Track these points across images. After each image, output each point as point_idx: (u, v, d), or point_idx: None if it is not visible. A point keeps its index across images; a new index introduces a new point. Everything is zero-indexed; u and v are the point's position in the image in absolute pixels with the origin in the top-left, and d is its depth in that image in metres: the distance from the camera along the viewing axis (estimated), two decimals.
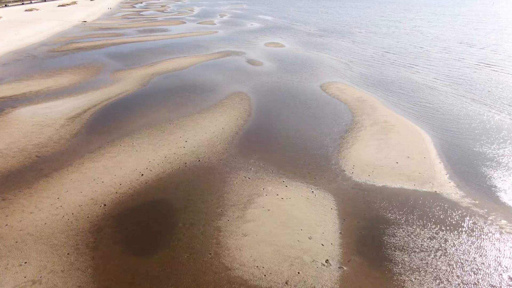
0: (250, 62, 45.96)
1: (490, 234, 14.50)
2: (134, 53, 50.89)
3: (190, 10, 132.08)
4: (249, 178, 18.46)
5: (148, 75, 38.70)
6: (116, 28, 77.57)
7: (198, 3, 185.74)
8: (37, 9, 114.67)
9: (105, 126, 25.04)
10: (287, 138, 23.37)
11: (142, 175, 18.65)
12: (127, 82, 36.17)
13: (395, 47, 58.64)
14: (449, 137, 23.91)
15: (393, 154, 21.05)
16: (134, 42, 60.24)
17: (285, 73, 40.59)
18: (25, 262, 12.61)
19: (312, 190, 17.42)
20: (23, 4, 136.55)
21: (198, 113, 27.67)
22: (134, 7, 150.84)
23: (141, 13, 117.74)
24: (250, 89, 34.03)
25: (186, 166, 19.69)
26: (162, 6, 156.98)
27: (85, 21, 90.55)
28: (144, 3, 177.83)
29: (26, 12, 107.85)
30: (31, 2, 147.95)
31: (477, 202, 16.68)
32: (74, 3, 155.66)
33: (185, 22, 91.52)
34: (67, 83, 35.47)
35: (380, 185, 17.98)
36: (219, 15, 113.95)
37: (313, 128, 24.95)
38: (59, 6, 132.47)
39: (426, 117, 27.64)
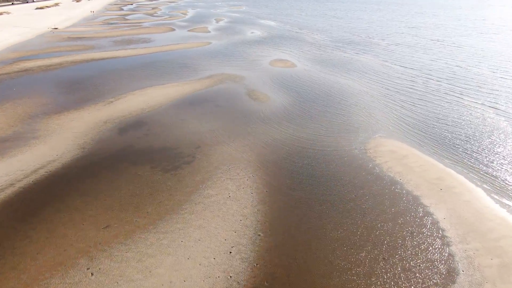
0: (251, 95, 32.96)
1: None
2: (95, 78, 37.84)
3: (183, 14, 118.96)
4: None
5: (98, 124, 25.65)
6: (88, 38, 64.47)
7: (193, 4, 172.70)
8: (8, 13, 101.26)
9: None
10: None
11: None
12: (60, 139, 23.12)
13: (435, 67, 45.77)
14: None
15: None
16: (103, 59, 47.20)
17: (304, 118, 27.61)
18: None
19: None
20: None
21: (156, 229, 14.68)
22: (122, 9, 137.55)
23: (126, 17, 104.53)
24: (252, 158, 21.04)
25: None
26: (153, 8, 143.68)
27: (56, 28, 77.42)
28: (134, 5, 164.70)
29: None
30: (12, 3, 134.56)
31: None
32: (57, 4, 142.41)
33: (174, 29, 78.45)
34: None
35: None
36: (215, 19, 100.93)
37: None
38: (36, 8, 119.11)
39: None
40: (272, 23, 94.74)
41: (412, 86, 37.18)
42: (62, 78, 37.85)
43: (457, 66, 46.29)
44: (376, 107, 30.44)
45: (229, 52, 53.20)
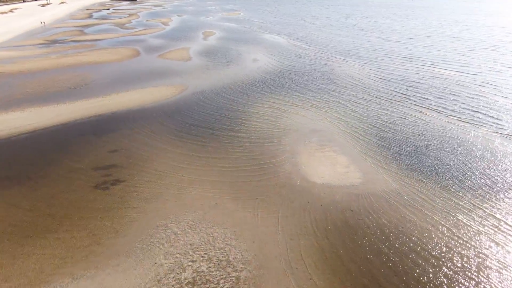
0: None
1: None
2: None
3: (163, 23, 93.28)
4: None
5: None
6: None
7: (181, 9, 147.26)
8: None
9: None
10: None
11: None
12: None
13: None
14: None
15: None
16: None
17: None
18: None
19: None
20: None
21: None
22: (91, 16, 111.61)
23: (85, 30, 78.78)
24: None
25: None
26: (129, 15, 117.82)
27: None
28: (111, 10, 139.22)
29: None
30: None
31: None
32: (12, 11, 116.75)
33: (139, 53, 53.05)
34: None
35: None
36: (203, 34, 75.33)
37: None
38: None
39: None
40: (280, 39, 69.36)
41: None
42: None
43: None
44: None
45: (214, 121, 27.88)
